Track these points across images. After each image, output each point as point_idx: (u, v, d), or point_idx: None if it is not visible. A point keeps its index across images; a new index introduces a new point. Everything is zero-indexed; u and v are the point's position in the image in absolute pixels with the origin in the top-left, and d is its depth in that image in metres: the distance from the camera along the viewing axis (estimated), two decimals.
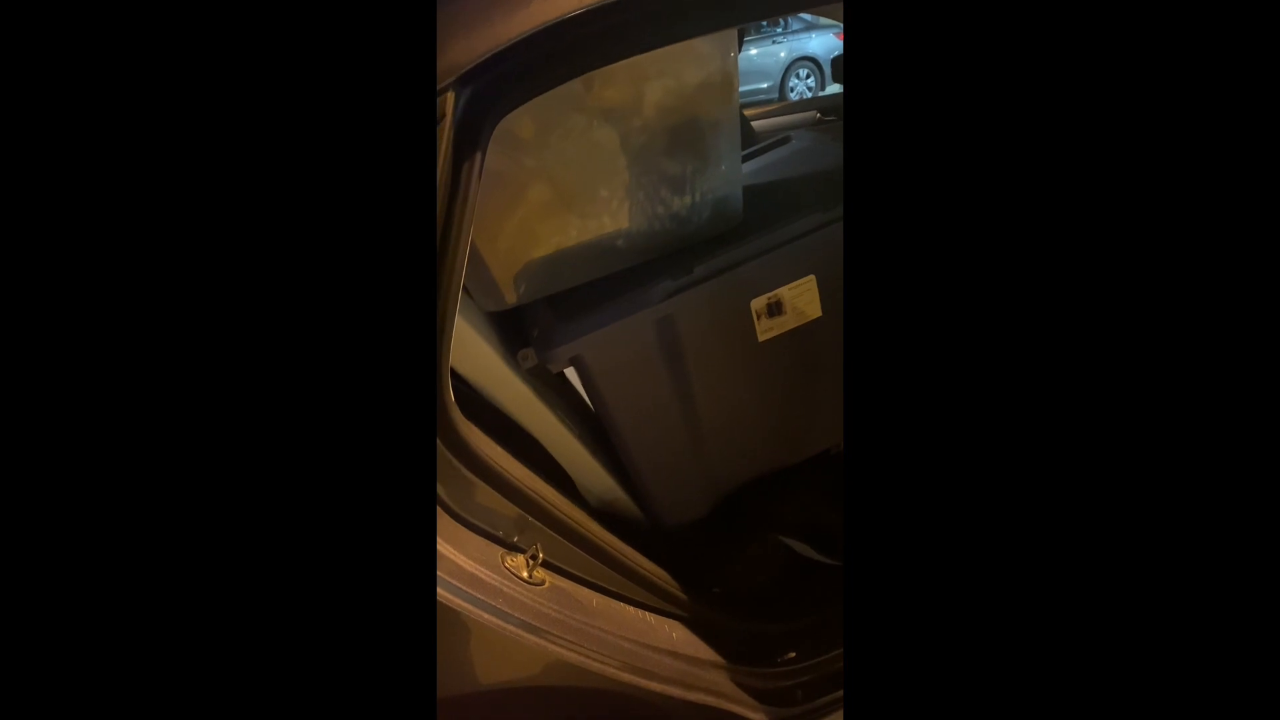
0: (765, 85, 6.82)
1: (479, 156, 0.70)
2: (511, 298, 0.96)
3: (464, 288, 0.78)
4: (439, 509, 0.78)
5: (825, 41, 6.85)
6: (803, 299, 0.99)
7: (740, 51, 0.98)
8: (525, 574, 0.84)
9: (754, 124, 1.85)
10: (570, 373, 0.99)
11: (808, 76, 6.95)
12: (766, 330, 1.00)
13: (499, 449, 0.86)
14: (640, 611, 0.99)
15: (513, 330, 1.02)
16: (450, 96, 0.65)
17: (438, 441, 0.77)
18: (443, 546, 0.76)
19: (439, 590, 0.72)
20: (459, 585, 0.74)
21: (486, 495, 0.84)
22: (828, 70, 6.77)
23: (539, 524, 0.89)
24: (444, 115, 0.65)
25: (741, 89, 0.99)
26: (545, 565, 0.88)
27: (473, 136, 0.69)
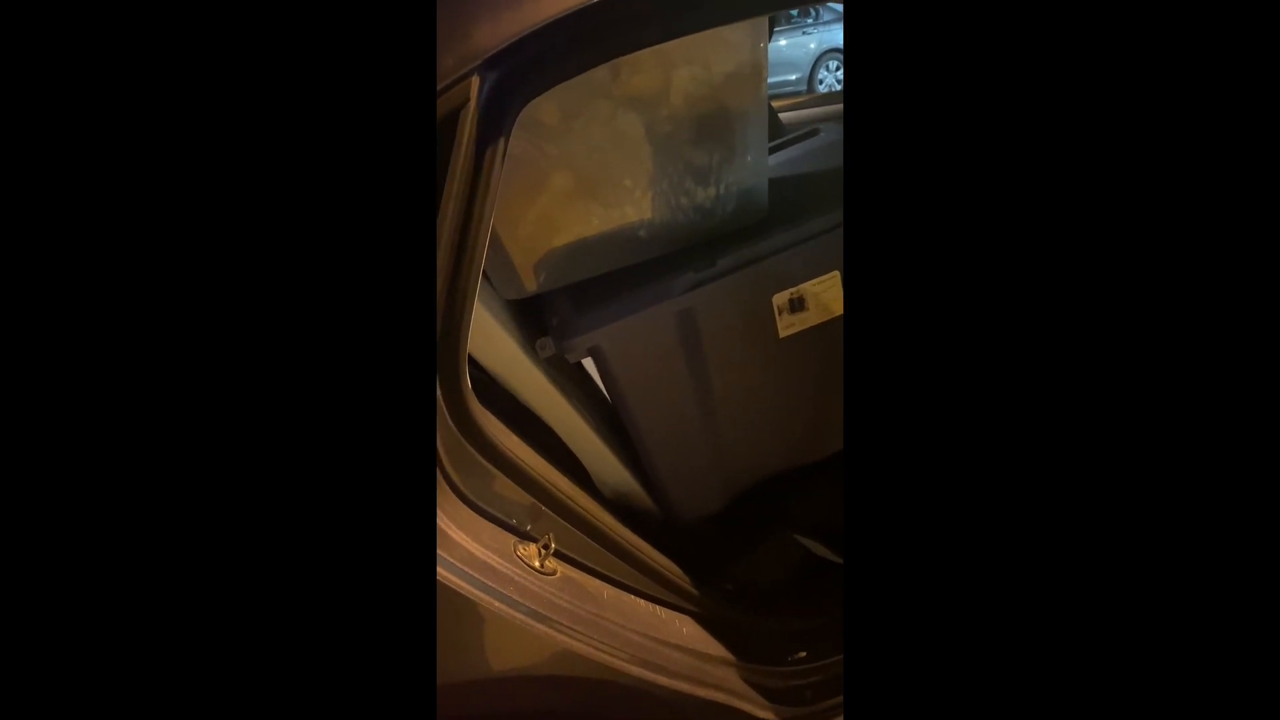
0: (794, 77, 6.74)
1: (503, 142, 0.70)
2: (531, 285, 0.96)
3: (484, 274, 0.77)
4: (453, 495, 0.78)
5: None
6: (826, 295, 0.98)
7: (770, 41, 0.96)
8: (537, 563, 0.84)
9: (781, 116, 1.82)
10: (588, 363, 0.99)
11: (837, 69, 6.85)
12: (788, 326, 0.98)
13: (515, 437, 0.86)
14: (651, 605, 0.99)
15: (532, 319, 1.02)
16: (475, 80, 0.64)
17: (454, 428, 0.77)
18: (455, 533, 0.76)
19: (450, 576, 0.73)
20: (469, 572, 0.75)
21: (501, 483, 0.84)
22: None
23: (552, 514, 0.89)
24: (468, 99, 0.64)
25: (770, 80, 0.97)
26: (557, 555, 0.88)
27: (497, 121, 0.69)
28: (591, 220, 0.95)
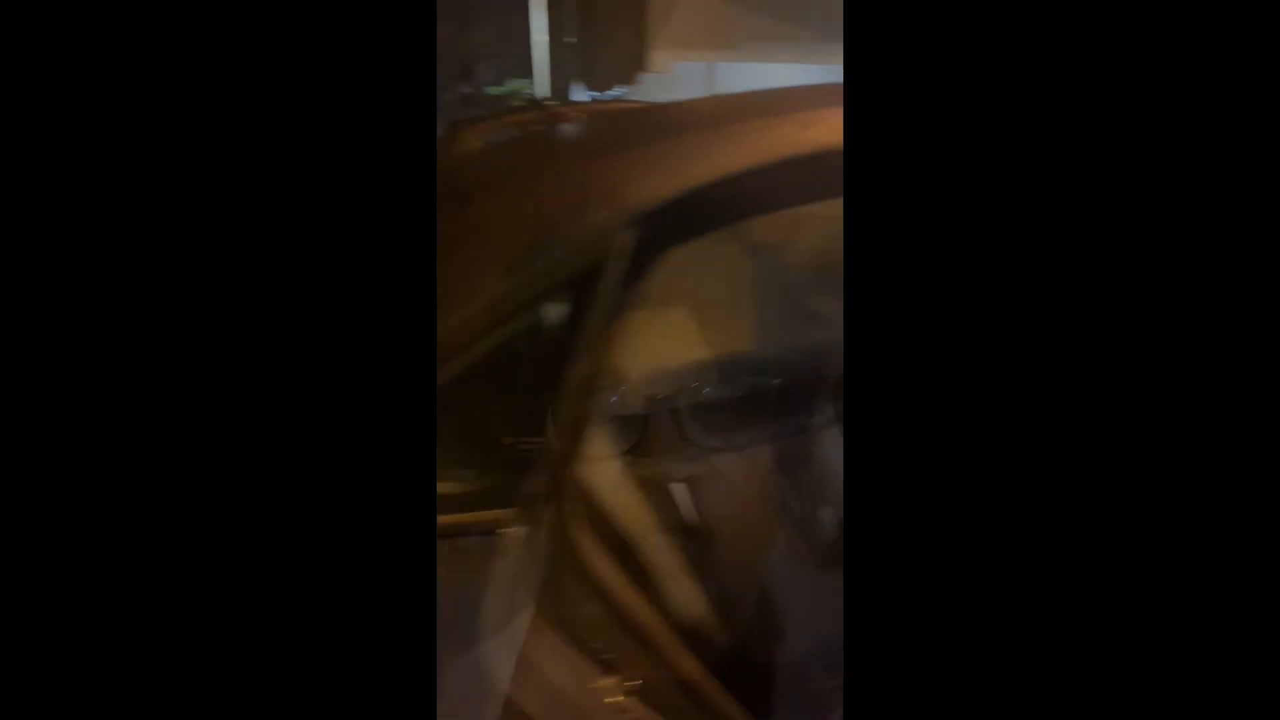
0: None
1: (640, 284, 0.73)
2: (638, 404, 0.98)
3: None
4: (542, 622, 0.78)
5: None
6: None
7: None
8: (611, 699, 0.82)
9: None
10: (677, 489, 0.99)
11: None
12: None
13: (609, 563, 0.86)
14: None
15: (634, 437, 1.04)
16: (626, 237, 0.69)
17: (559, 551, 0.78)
18: (539, 658, 0.75)
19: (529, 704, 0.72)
20: (542, 701, 0.74)
21: (589, 610, 0.83)
22: None
23: (635, 645, 0.87)
24: (620, 251, 0.69)
25: None
26: (634, 694, 0.85)
27: (638, 269, 0.73)
28: (703, 349, 0.97)
